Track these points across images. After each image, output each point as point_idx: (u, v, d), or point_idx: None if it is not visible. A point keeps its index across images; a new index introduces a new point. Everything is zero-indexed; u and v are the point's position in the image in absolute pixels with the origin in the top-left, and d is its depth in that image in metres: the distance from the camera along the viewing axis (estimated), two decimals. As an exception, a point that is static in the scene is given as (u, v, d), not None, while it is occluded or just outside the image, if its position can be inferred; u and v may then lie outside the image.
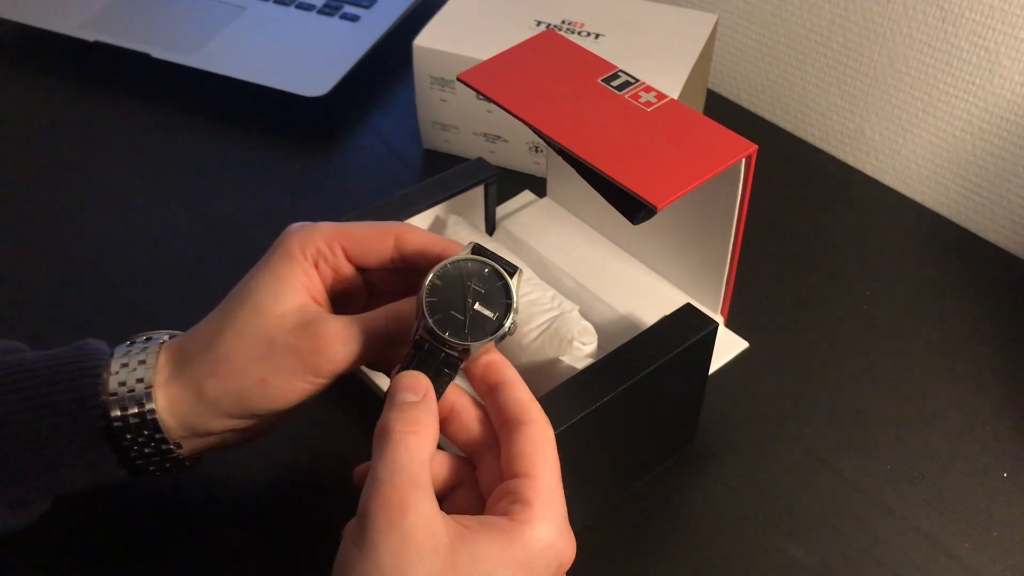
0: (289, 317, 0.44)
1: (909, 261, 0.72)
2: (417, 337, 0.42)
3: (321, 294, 0.46)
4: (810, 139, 0.85)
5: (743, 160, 0.52)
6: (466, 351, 0.42)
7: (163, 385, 0.45)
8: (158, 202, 0.76)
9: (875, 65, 0.77)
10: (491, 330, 0.42)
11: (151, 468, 0.47)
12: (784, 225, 0.75)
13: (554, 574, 0.39)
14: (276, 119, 0.84)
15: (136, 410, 0.44)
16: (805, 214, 0.76)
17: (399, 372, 0.42)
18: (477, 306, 0.43)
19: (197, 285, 0.69)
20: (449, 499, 0.43)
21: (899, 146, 0.78)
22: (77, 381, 0.45)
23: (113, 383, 0.45)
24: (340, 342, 0.44)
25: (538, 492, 0.39)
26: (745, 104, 0.88)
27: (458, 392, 0.43)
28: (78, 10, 0.89)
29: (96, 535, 0.54)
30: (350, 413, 0.60)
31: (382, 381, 0.59)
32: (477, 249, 0.44)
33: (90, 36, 0.86)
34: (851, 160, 0.82)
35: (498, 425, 0.42)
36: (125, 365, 0.45)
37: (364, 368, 0.59)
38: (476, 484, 0.43)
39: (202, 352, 0.45)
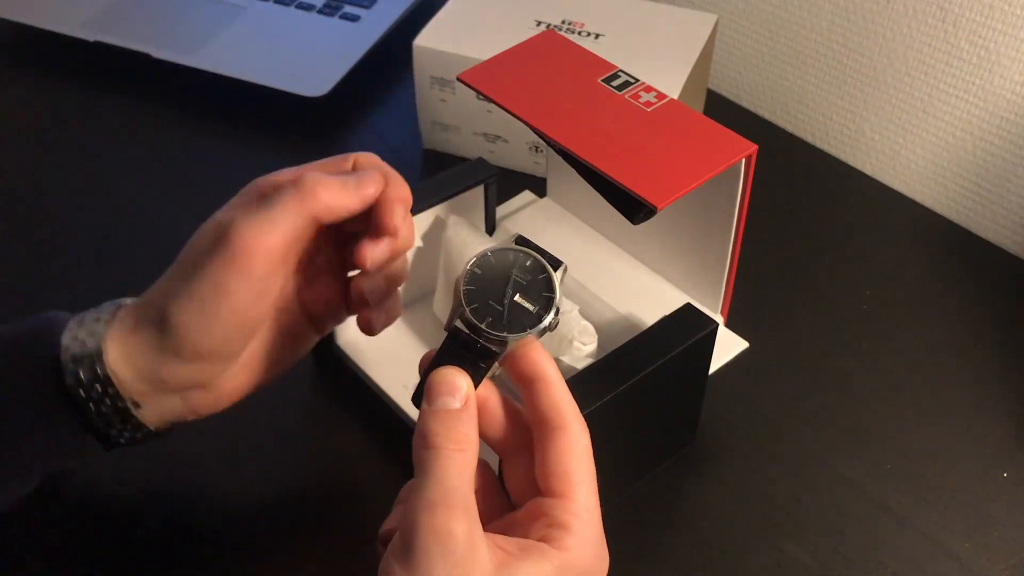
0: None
1: (909, 261, 0.72)
2: (453, 327, 0.40)
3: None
4: (810, 139, 0.85)
5: (743, 160, 0.52)
6: (503, 343, 0.40)
7: (119, 339, 0.44)
8: (158, 202, 0.76)
9: (875, 65, 0.77)
10: (530, 323, 0.40)
11: (115, 434, 0.46)
12: (784, 225, 0.75)
13: None
14: (276, 119, 0.84)
15: (88, 363, 0.44)
16: (805, 214, 0.76)
17: (434, 365, 0.40)
18: (517, 297, 0.40)
19: (197, 285, 0.69)
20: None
21: (899, 146, 0.78)
22: (33, 343, 0.44)
23: (67, 338, 0.44)
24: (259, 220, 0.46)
25: (575, 515, 0.39)
26: (745, 104, 0.88)
27: (490, 388, 0.42)
28: (78, 10, 0.89)
29: (94, 539, 0.54)
30: (354, 413, 0.60)
31: (386, 384, 0.59)
32: (520, 240, 0.42)
33: (90, 36, 0.86)
34: (851, 160, 0.82)
35: (532, 423, 0.41)
36: (81, 323, 0.45)
37: (366, 369, 0.59)
38: (497, 486, 0.43)
39: (168, 282, 0.46)
